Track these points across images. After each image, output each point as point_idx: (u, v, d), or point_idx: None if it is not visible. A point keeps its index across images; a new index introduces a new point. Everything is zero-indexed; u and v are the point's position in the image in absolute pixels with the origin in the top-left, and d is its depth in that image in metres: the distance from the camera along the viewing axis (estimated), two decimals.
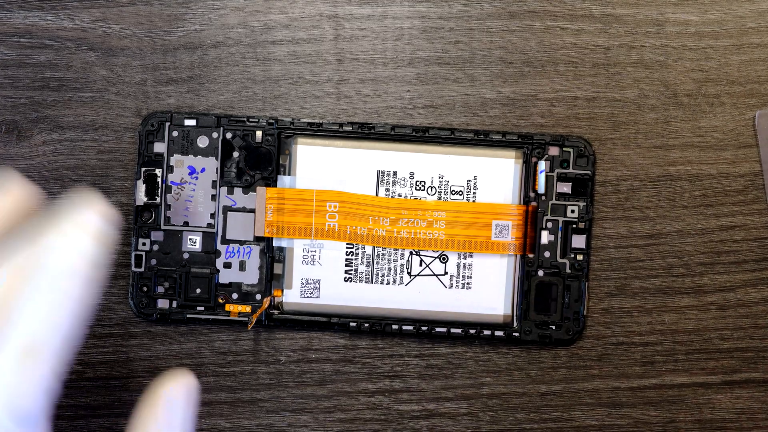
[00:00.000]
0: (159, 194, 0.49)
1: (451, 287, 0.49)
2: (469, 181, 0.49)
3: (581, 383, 0.50)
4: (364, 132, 0.49)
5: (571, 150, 0.49)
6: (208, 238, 0.49)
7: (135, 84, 0.49)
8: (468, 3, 0.49)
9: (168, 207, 0.49)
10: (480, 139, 0.49)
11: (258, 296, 0.49)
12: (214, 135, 0.49)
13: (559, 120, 0.49)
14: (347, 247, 0.48)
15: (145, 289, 0.49)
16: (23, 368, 0.33)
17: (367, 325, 0.49)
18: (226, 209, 0.49)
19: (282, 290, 0.49)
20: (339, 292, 0.48)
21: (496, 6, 0.49)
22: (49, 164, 0.49)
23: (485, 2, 0.49)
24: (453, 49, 0.49)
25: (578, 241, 0.49)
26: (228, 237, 0.49)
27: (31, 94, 0.49)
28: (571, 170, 0.49)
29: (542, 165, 0.49)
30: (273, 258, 0.49)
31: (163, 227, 0.49)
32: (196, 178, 0.49)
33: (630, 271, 0.49)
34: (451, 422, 0.49)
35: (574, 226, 0.49)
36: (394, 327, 0.49)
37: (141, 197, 0.49)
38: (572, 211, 0.49)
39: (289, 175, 0.49)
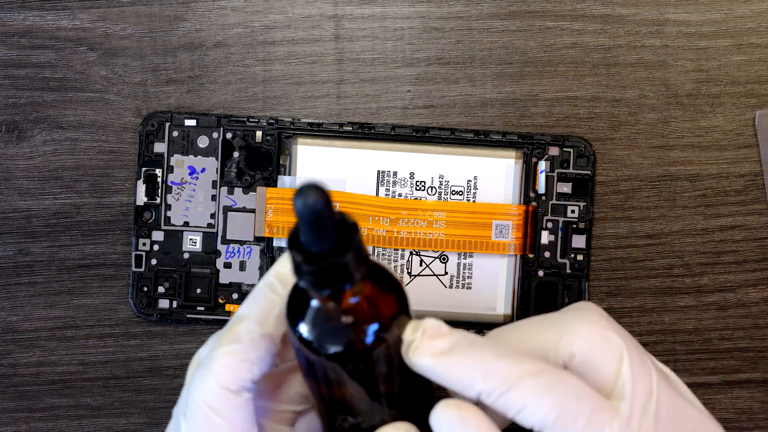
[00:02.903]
0: (159, 194, 0.49)
1: (451, 287, 0.49)
2: (469, 181, 0.49)
3: None
4: (364, 132, 0.49)
5: (571, 150, 0.49)
6: (208, 238, 0.49)
7: (135, 84, 0.49)
8: (468, 3, 0.49)
9: (168, 207, 0.49)
10: (480, 139, 0.49)
11: None
12: (215, 135, 0.49)
13: (559, 120, 0.49)
14: None
15: (145, 289, 0.49)
16: None
17: None
18: (226, 209, 0.49)
19: None
20: None
21: (496, 6, 0.49)
22: (49, 164, 0.49)
23: (485, 2, 0.49)
24: (453, 49, 0.49)
25: (578, 241, 0.49)
26: (228, 237, 0.49)
27: (31, 94, 0.49)
28: (571, 170, 0.49)
29: (542, 165, 0.49)
30: (273, 258, 0.49)
31: (163, 227, 0.49)
32: (197, 178, 0.49)
33: (630, 271, 0.49)
34: None
35: (574, 226, 0.49)
36: None
37: (141, 197, 0.49)
38: (572, 211, 0.49)
39: (289, 175, 0.49)
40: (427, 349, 0.35)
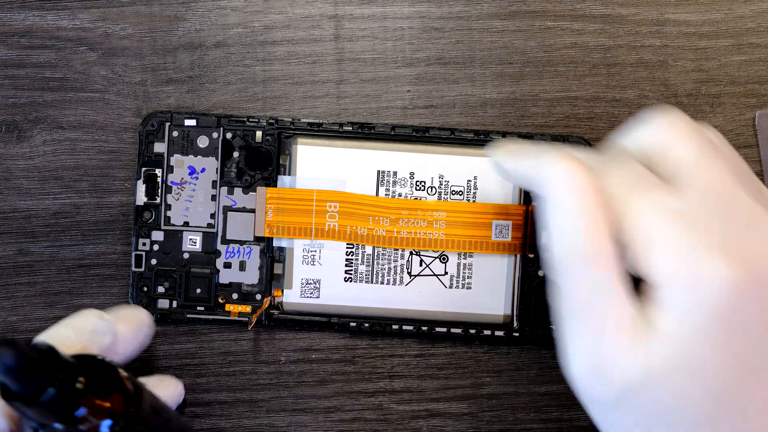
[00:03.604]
0: (159, 194, 0.49)
1: (451, 287, 0.49)
2: (469, 181, 0.49)
3: None
4: (364, 132, 0.49)
5: None
6: (208, 238, 0.49)
7: (135, 84, 0.49)
8: (468, 3, 0.49)
9: (168, 207, 0.49)
10: (480, 139, 0.49)
11: (258, 296, 0.49)
12: (214, 135, 0.49)
13: (559, 120, 0.49)
14: (347, 247, 0.48)
15: (145, 289, 0.49)
16: None
17: (367, 325, 0.49)
18: (226, 209, 0.49)
19: (282, 290, 0.49)
20: (339, 292, 0.48)
21: (496, 6, 0.49)
22: (49, 164, 0.49)
23: (485, 2, 0.49)
24: (453, 49, 0.49)
25: None
26: (228, 237, 0.49)
27: (31, 94, 0.49)
28: None
29: None
30: (273, 258, 0.49)
31: (163, 227, 0.49)
32: (196, 178, 0.49)
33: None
34: (451, 422, 0.49)
35: None
36: (394, 327, 0.49)
37: (141, 197, 0.49)
38: None
39: (289, 175, 0.49)
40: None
